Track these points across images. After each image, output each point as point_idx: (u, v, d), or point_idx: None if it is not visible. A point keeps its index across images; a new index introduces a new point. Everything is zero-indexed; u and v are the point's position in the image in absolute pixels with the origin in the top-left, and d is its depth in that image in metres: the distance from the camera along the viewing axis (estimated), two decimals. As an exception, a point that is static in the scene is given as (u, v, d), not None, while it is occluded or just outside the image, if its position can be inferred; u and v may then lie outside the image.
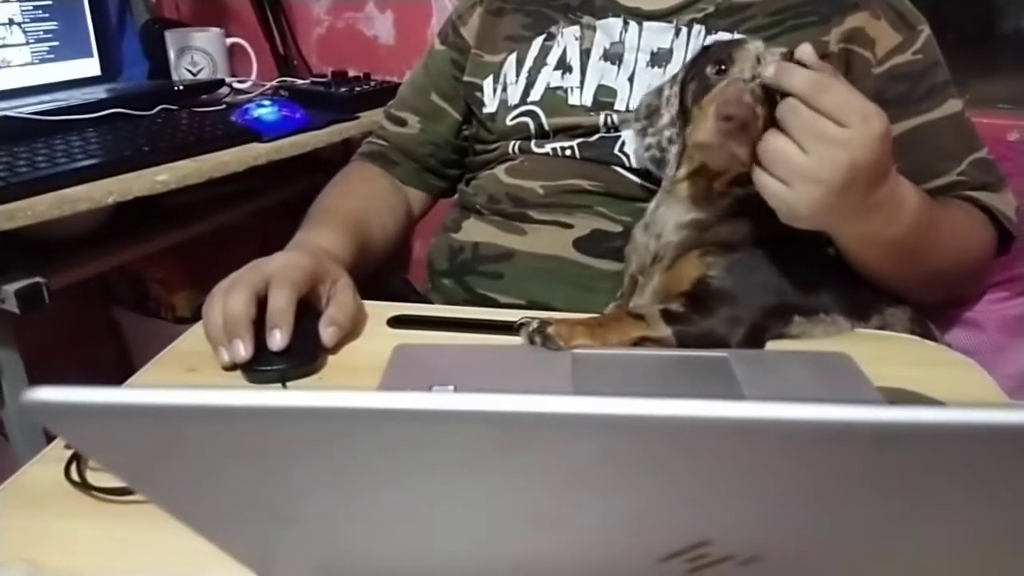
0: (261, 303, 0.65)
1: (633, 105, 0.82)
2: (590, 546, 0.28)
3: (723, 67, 0.66)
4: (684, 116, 0.70)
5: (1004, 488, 0.25)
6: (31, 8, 1.27)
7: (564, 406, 0.20)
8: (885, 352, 0.67)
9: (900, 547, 0.29)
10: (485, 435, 0.22)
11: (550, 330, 0.66)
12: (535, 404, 0.21)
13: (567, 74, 0.85)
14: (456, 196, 0.96)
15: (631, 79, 0.83)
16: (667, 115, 0.72)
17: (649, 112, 0.74)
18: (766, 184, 0.62)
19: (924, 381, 0.60)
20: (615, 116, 0.82)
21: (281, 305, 0.64)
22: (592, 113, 0.83)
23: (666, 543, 0.26)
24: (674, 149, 0.71)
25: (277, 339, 0.63)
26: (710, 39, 0.81)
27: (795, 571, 0.29)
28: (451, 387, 0.58)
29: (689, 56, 0.81)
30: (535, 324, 0.67)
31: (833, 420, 0.21)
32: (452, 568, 0.31)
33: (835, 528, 0.27)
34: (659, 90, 0.74)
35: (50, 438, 0.58)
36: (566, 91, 0.85)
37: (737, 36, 0.79)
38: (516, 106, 0.87)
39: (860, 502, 0.26)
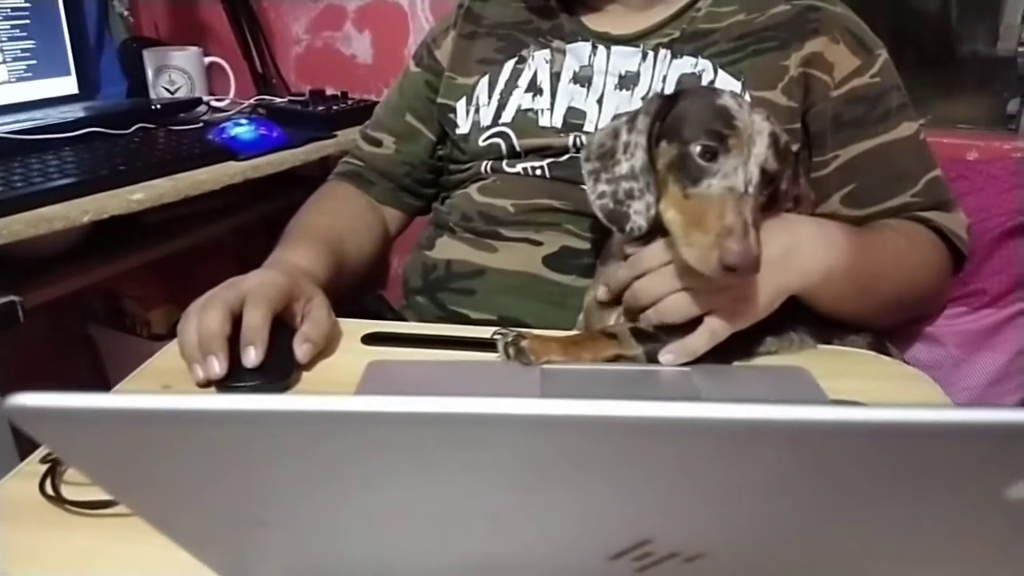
0: (236, 321, 0.66)
1: (602, 126, 0.84)
2: (543, 545, 0.30)
3: (714, 153, 0.64)
4: (654, 174, 0.67)
5: (933, 484, 0.27)
6: (8, 27, 1.27)
7: (513, 408, 0.22)
8: (842, 366, 0.69)
9: (839, 543, 0.31)
10: (441, 436, 0.24)
11: (524, 344, 0.68)
12: (488, 407, 0.22)
13: (538, 96, 0.88)
14: (431, 214, 0.98)
15: (600, 101, 0.86)
16: (626, 165, 0.68)
17: (601, 153, 0.70)
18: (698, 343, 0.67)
19: (878, 393, 0.62)
20: (584, 137, 0.84)
21: (255, 322, 0.65)
22: (562, 134, 0.86)
23: (612, 542, 0.28)
24: (636, 206, 0.67)
25: (251, 356, 0.64)
26: (676, 62, 0.84)
27: (739, 568, 0.31)
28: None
29: (656, 82, 0.84)
30: (510, 337, 0.69)
31: (759, 419, 0.23)
32: (412, 567, 0.33)
33: (775, 525, 0.29)
34: (614, 131, 0.70)
35: (23, 455, 0.58)
36: (537, 113, 0.87)
37: (706, 86, 0.81)
38: (488, 127, 0.89)
39: (796, 500, 0.28)
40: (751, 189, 0.63)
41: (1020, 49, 1.24)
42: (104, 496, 0.49)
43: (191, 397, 0.23)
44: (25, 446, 0.61)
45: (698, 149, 0.64)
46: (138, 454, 0.25)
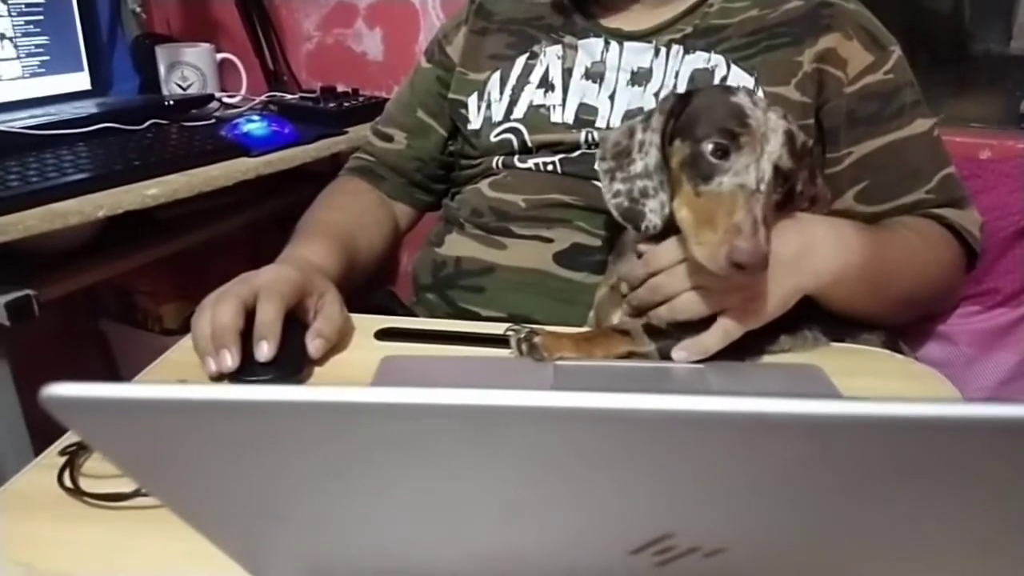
0: (249, 315, 0.67)
1: (614, 122, 0.84)
2: (564, 539, 0.30)
3: (726, 151, 0.64)
4: (668, 172, 0.68)
5: (949, 479, 0.27)
6: (22, 23, 1.28)
7: (533, 400, 0.22)
8: (855, 365, 0.69)
9: (857, 537, 0.31)
10: (458, 429, 0.24)
11: (537, 340, 0.68)
12: (508, 398, 0.22)
13: (549, 92, 0.88)
14: (441, 210, 0.98)
15: (612, 97, 0.86)
16: (640, 163, 0.68)
17: (617, 152, 0.70)
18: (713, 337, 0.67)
19: (890, 391, 0.62)
20: (596, 133, 0.85)
21: (269, 317, 0.66)
22: (574, 130, 0.86)
23: (633, 536, 0.28)
24: (651, 204, 0.67)
25: (264, 350, 0.64)
26: (688, 58, 0.84)
27: (758, 563, 0.31)
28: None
29: (669, 77, 0.84)
30: (523, 333, 0.69)
31: (780, 413, 0.23)
32: (434, 564, 0.33)
33: (793, 520, 0.29)
34: (629, 130, 0.71)
35: (38, 448, 0.59)
36: (548, 109, 0.87)
37: (723, 84, 0.80)
38: (500, 123, 0.89)
39: (814, 494, 0.28)
40: (763, 187, 0.63)
41: (1033, 48, 1.23)
42: (122, 488, 0.50)
43: (219, 388, 0.23)
44: (38, 443, 0.62)
45: (710, 147, 0.64)
46: (166, 443, 0.25)
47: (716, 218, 0.62)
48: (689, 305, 0.67)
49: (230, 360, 0.64)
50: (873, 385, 0.64)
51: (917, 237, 0.80)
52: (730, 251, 0.60)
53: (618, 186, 0.69)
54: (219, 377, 0.65)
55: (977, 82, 1.32)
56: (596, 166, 0.72)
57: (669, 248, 0.68)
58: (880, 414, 0.24)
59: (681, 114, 0.69)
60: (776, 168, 0.64)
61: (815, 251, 0.69)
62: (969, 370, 0.95)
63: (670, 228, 0.68)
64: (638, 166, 0.69)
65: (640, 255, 0.71)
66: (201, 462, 0.26)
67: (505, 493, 0.28)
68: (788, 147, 0.65)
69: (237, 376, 0.64)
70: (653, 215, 0.67)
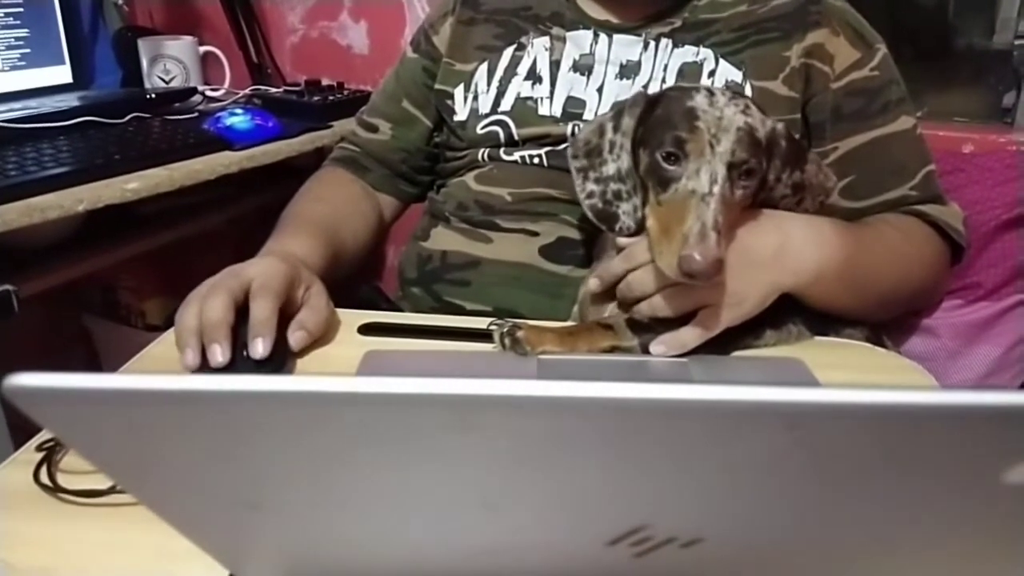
0: (237, 310, 0.66)
1: (589, 122, 0.84)
2: (542, 532, 0.30)
3: (677, 158, 0.64)
4: (638, 175, 0.68)
5: (930, 469, 0.27)
6: (2, 15, 1.26)
7: (507, 389, 0.22)
8: (837, 358, 0.69)
9: (835, 528, 0.31)
10: (435, 419, 0.24)
11: (520, 334, 0.68)
12: (481, 388, 0.22)
13: (537, 84, 0.87)
14: (427, 204, 0.98)
15: (600, 90, 0.86)
16: (612, 165, 0.69)
17: (588, 150, 0.71)
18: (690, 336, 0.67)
19: (873, 385, 0.62)
20: (583, 126, 0.84)
21: (264, 315, 0.65)
22: (561, 123, 0.85)
23: (609, 527, 0.28)
24: (624, 207, 0.69)
25: (259, 348, 0.64)
26: (677, 52, 0.84)
27: (736, 553, 0.31)
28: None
29: (657, 71, 0.84)
30: (507, 327, 0.69)
31: (756, 400, 0.23)
32: (413, 560, 0.33)
33: (771, 511, 0.29)
34: (599, 127, 0.71)
35: (18, 444, 0.58)
36: (536, 101, 0.87)
37: (684, 85, 0.78)
38: (487, 115, 0.89)
39: (792, 485, 0.28)
40: (716, 188, 0.63)
41: (1016, 42, 1.24)
42: (99, 485, 0.49)
43: (190, 377, 0.22)
44: (19, 437, 0.61)
45: (662, 155, 0.65)
46: (136, 435, 0.25)
47: (671, 226, 0.63)
48: (668, 302, 0.67)
49: (220, 355, 0.63)
50: (855, 379, 0.64)
51: (899, 235, 0.80)
52: (679, 260, 0.61)
53: (591, 186, 0.70)
54: (196, 371, 0.64)
55: (960, 77, 1.32)
56: (570, 163, 0.72)
57: (645, 245, 0.68)
58: (856, 402, 0.24)
59: (649, 118, 0.69)
60: (733, 165, 0.64)
61: (792, 248, 0.69)
62: (952, 364, 0.96)
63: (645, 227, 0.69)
64: (610, 168, 0.70)
65: (619, 250, 0.71)
66: (173, 453, 0.26)
67: (483, 486, 0.28)
68: (745, 142, 0.64)
69: (221, 372, 0.64)
70: (627, 217, 0.69)
